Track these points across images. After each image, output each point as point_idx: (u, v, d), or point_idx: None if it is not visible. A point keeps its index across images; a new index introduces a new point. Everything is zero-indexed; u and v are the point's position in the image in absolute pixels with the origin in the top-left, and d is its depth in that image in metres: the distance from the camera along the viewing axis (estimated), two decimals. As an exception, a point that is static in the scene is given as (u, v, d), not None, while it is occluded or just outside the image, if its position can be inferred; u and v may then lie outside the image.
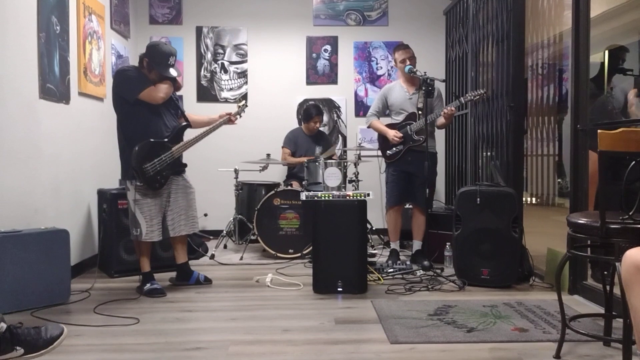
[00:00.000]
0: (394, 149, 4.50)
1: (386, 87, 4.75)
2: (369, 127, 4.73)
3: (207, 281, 4.02)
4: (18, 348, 2.11)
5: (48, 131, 3.91)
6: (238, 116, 4.12)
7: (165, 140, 3.72)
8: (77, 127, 4.38)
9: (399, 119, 4.55)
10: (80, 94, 4.46)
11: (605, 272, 2.75)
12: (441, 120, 4.40)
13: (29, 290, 3.30)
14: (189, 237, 4.71)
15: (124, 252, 4.26)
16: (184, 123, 3.88)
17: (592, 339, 2.72)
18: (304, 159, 5.20)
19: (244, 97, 4.13)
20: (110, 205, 4.23)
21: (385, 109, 4.67)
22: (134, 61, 5.77)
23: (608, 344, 2.71)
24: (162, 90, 3.67)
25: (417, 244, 4.58)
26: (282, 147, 5.60)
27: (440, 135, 6.01)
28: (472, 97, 4.31)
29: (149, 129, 3.68)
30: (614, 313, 2.71)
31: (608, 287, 2.70)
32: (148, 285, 3.75)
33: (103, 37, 4.96)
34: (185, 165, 3.95)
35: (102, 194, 4.42)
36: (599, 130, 2.32)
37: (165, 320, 3.16)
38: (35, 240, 3.36)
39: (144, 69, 3.74)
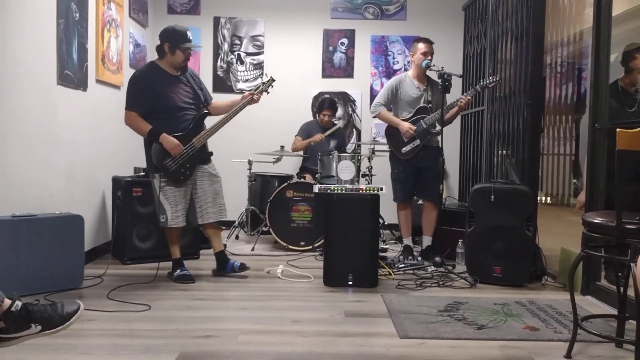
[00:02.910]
0: (410, 145, 4.42)
1: (396, 79, 4.60)
2: (375, 116, 4.61)
3: (243, 268, 3.94)
4: (35, 325, 2.13)
5: (65, 117, 3.94)
6: (265, 92, 4.01)
7: (182, 133, 3.72)
8: (94, 114, 4.42)
9: (407, 114, 4.49)
10: (98, 81, 4.49)
11: (620, 273, 2.72)
12: (452, 111, 4.35)
13: (42, 274, 3.34)
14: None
15: (138, 240, 4.30)
16: (204, 111, 3.88)
17: (604, 340, 2.69)
18: (310, 140, 5.27)
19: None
20: (125, 192, 4.26)
21: (393, 101, 4.54)
22: (151, 49, 5.81)
23: (620, 345, 2.68)
24: (136, 127, 3.71)
25: (427, 240, 4.57)
26: (295, 135, 5.59)
27: (455, 132, 6.00)
28: (487, 84, 4.27)
29: (167, 124, 3.69)
30: (627, 315, 2.68)
31: (622, 288, 2.67)
32: (178, 272, 3.82)
33: (121, 25, 4.99)
34: (211, 153, 3.94)
35: (116, 181, 4.45)
36: (617, 129, 2.29)
37: (176, 308, 3.18)
38: (50, 225, 3.39)
39: (166, 55, 3.75)
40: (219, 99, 4.26)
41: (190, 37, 3.79)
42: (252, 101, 3.94)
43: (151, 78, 3.72)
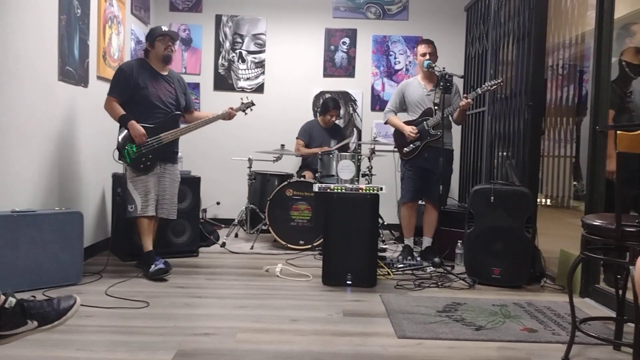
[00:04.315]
0: (411, 145, 4.47)
1: (404, 83, 4.73)
2: (386, 122, 4.71)
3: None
4: (31, 321, 2.12)
5: (66, 113, 3.94)
6: (242, 112, 4.24)
7: (152, 125, 3.85)
8: (95, 111, 4.40)
9: (415, 115, 4.53)
10: (99, 77, 4.49)
11: (619, 276, 2.72)
12: (457, 113, 4.37)
13: (41, 270, 3.34)
14: (201, 224, 4.76)
15: (137, 236, 4.28)
16: (176, 112, 4.00)
17: (602, 343, 2.70)
18: (317, 150, 5.20)
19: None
20: (125, 189, 4.25)
21: (402, 105, 4.64)
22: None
23: (618, 348, 2.68)
24: (111, 110, 3.85)
25: (427, 241, 4.57)
26: (297, 138, 5.60)
27: (456, 132, 5.97)
28: (489, 87, 4.28)
29: (141, 117, 3.83)
30: (625, 317, 2.68)
31: (620, 291, 2.67)
32: (153, 267, 3.75)
33: (123, 22, 4.98)
34: (176, 153, 4.04)
35: (116, 178, 4.44)
36: (618, 132, 2.29)
37: (174, 305, 3.18)
38: (49, 221, 3.39)
39: (150, 51, 3.96)
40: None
41: (165, 28, 4.00)
42: (227, 116, 4.15)
43: (137, 69, 3.90)
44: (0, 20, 3.16)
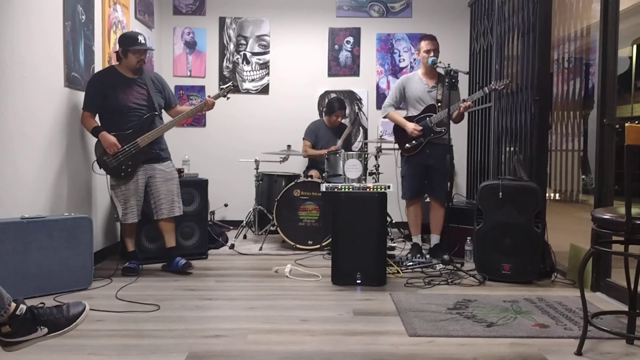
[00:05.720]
0: (413, 142, 4.43)
1: (404, 77, 4.65)
2: (385, 117, 4.62)
3: (186, 267, 4.01)
4: (41, 328, 2.14)
5: (73, 119, 3.96)
6: (224, 97, 4.16)
7: (126, 132, 3.86)
8: (101, 116, 4.43)
9: (416, 111, 4.49)
10: (105, 83, 4.50)
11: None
12: (456, 112, 4.35)
13: (52, 275, 3.36)
14: (209, 227, 4.77)
15: (146, 240, 4.31)
16: (152, 113, 3.97)
17: (614, 337, 2.68)
18: (324, 151, 5.19)
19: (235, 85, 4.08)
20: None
21: (402, 100, 4.58)
22: (157, 51, 5.82)
23: (631, 341, 2.66)
24: (85, 124, 3.89)
25: (435, 238, 4.55)
26: (303, 139, 5.60)
27: (462, 129, 5.98)
28: (497, 87, 4.26)
29: (116, 124, 3.86)
30: (637, 311, 2.66)
31: (632, 284, 2.65)
32: (126, 264, 4.00)
33: (127, 26, 5.00)
34: (157, 154, 4.01)
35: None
36: (626, 124, 2.27)
37: (185, 308, 3.19)
38: (59, 227, 3.41)
39: (121, 59, 3.93)
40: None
41: (142, 41, 3.92)
42: (205, 105, 4.11)
43: (104, 80, 3.91)
44: (5, 27, 3.18)
